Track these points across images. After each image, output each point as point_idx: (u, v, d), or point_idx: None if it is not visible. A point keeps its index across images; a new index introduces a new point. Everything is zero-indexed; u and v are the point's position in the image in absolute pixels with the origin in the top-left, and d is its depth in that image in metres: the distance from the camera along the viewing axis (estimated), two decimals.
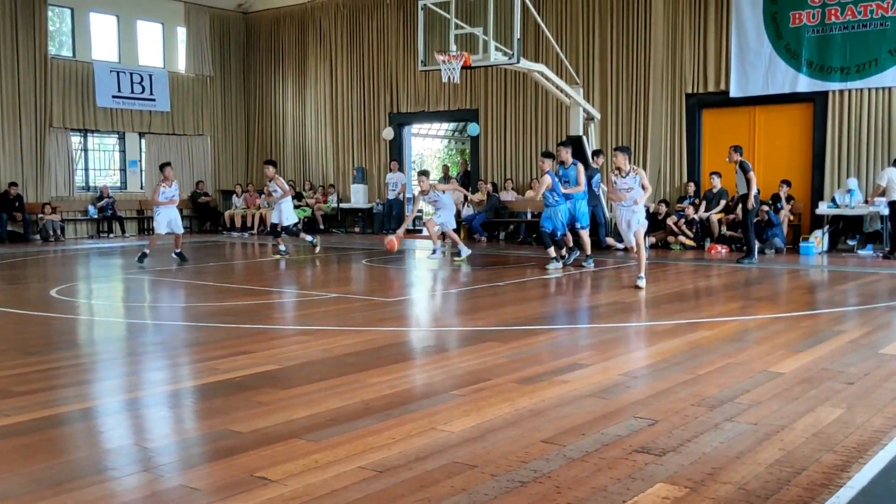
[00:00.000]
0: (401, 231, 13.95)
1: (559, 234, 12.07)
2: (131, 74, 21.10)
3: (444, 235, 14.49)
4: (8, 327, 7.80)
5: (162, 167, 13.46)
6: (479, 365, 5.80)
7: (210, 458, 3.89)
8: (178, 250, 13.30)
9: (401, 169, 20.29)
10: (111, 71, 20.70)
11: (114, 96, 20.73)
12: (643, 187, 10.14)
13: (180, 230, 13.40)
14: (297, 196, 21.28)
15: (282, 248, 14.43)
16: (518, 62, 14.20)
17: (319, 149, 22.19)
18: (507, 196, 18.19)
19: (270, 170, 14.17)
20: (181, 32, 22.43)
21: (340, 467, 3.68)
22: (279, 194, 14.14)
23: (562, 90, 15.45)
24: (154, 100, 21.53)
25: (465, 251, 13.51)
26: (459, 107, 19.54)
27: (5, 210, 18.35)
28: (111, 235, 20.05)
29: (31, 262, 14.17)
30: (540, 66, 15.05)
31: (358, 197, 20.86)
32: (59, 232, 18.95)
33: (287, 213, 14.37)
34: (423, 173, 13.88)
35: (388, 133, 19.89)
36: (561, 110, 17.19)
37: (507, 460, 3.75)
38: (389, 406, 4.69)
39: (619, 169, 10.28)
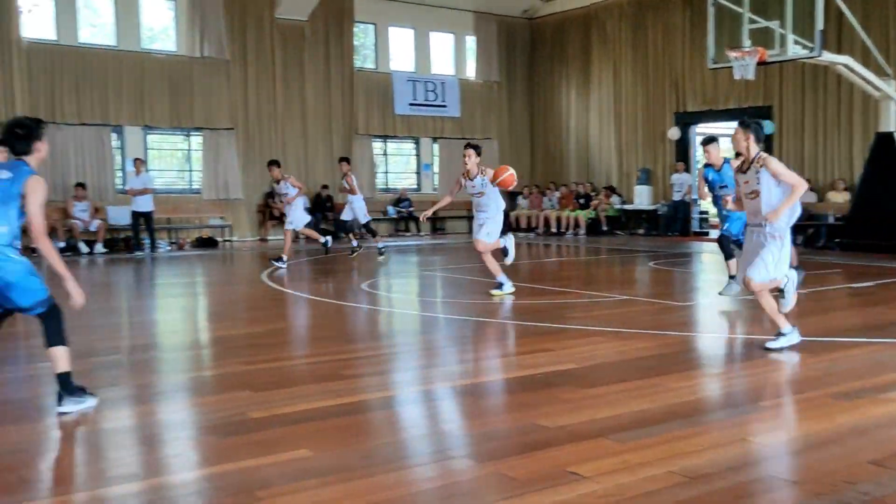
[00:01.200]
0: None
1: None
2: (425, 83, 22.47)
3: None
4: (331, 316, 8.74)
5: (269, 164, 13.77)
6: (786, 376, 5.53)
7: (521, 450, 4.07)
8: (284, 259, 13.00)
9: (687, 170, 19.71)
10: (407, 80, 22.19)
11: (410, 104, 22.20)
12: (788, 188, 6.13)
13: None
14: (586, 198, 21.31)
15: (354, 243, 14.64)
16: (820, 55, 13.25)
17: (603, 150, 22.16)
18: (808, 197, 16.98)
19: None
20: (470, 41, 23.47)
21: (650, 470, 3.70)
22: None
23: (870, 83, 14.18)
24: (445, 106, 22.75)
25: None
26: (751, 104, 18.56)
27: (319, 210, 20.34)
28: (408, 234, 21.48)
29: (340, 258, 15.54)
30: (845, 59, 13.93)
31: (642, 198, 20.57)
32: (362, 231, 20.58)
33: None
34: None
35: (673, 133, 19.42)
36: (868, 105, 15.77)
37: (830, 479, 3.56)
38: (695, 412, 4.63)
39: (740, 163, 6.42)
